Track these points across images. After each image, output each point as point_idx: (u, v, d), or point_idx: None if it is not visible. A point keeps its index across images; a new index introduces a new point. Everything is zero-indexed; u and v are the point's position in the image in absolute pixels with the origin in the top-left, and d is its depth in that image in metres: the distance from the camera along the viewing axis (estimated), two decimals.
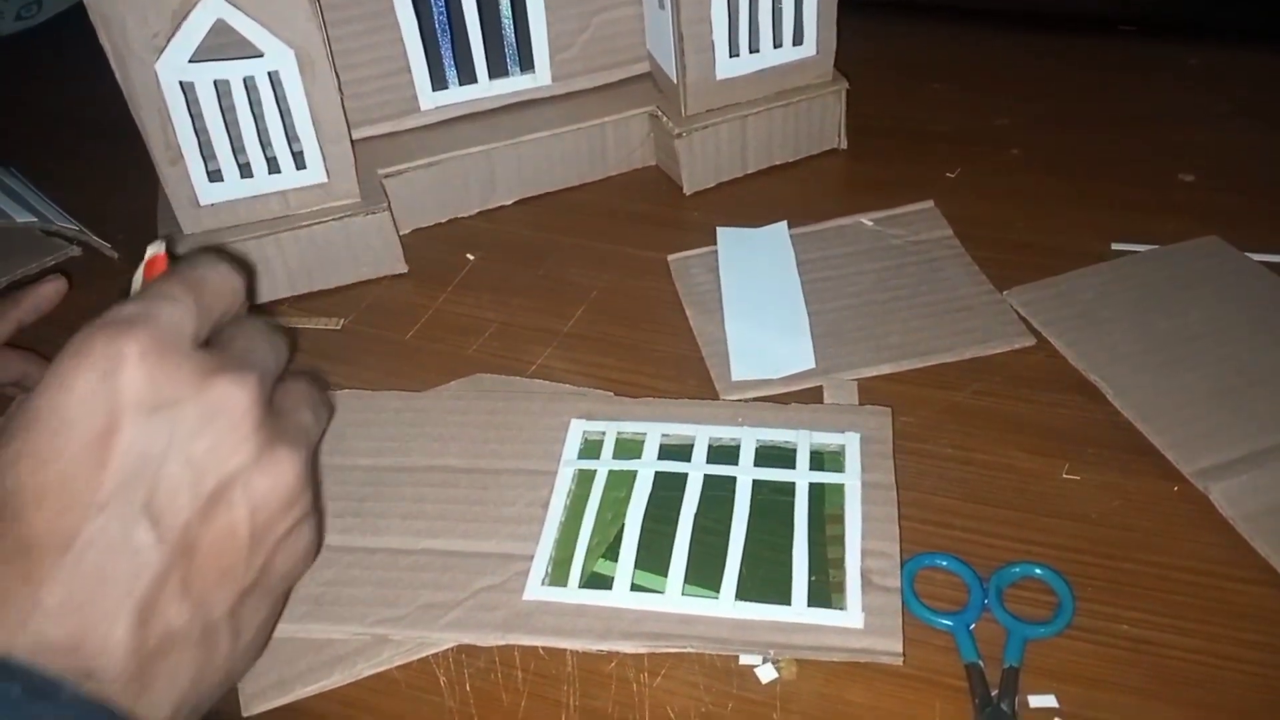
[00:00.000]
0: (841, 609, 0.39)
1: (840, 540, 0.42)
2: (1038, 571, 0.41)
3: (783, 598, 0.40)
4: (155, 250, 0.37)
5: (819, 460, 0.46)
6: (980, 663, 0.38)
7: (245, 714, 0.38)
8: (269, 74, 0.53)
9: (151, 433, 0.31)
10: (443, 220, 0.65)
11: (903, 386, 0.50)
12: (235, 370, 0.33)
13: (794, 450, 0.46)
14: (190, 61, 0.51)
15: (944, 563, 0.42)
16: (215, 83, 0.53)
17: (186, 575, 0.32)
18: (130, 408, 0.31)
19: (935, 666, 0.38)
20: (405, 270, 0.60)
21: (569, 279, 0.59)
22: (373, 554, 0.43)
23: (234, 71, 0.53)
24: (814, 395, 0.50)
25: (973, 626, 0.39)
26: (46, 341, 0.56)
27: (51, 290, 0.57)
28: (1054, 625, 0.39)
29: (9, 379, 0.53)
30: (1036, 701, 0.37)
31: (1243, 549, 0.41)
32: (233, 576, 0.33)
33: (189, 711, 0.33)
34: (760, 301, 0.55)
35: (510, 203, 0.66)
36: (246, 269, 0.39)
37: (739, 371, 0.51)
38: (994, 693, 0.37)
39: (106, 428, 0.30)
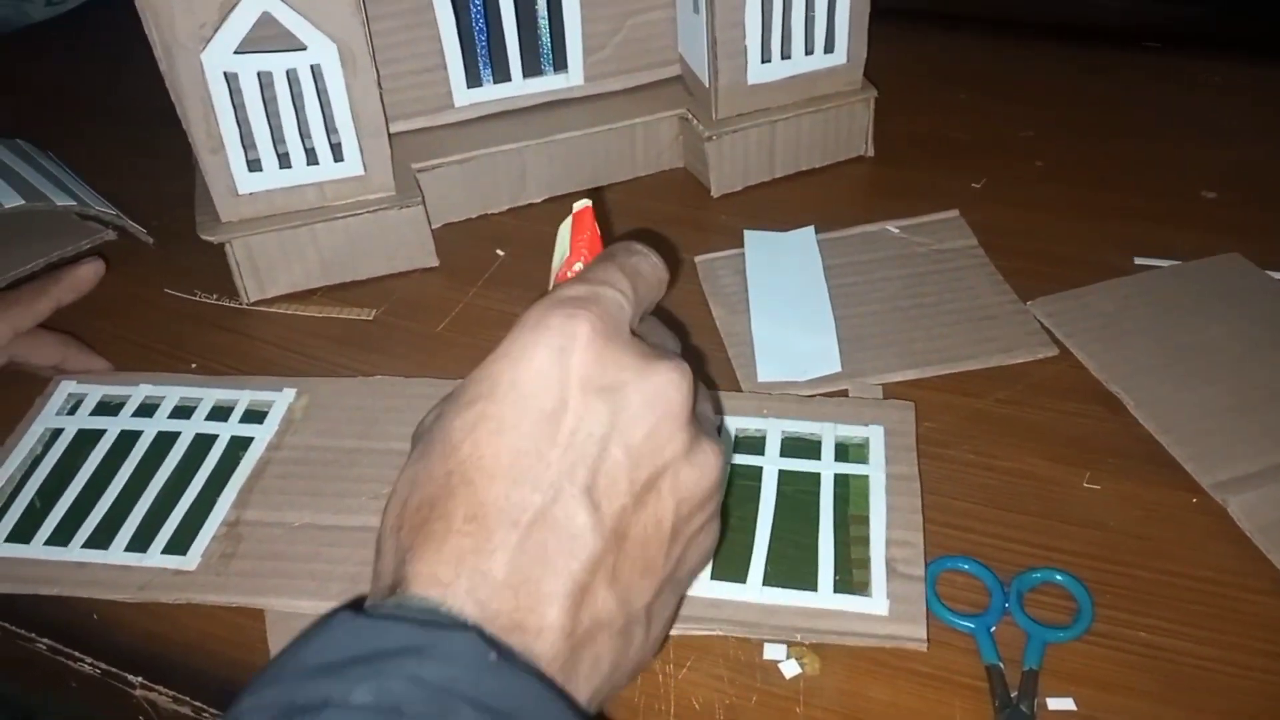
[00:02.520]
0: (866, 596, 0.40)
1: (865, 541, 0.43)
2: (1058, 577, 0.42)
3: (809, 585, 0.41)
4: (582, 204, 0.37)
5: (844, 452, 0.46)
6: (1000, 664, 0.39)
7: None
8: (311, 67, 0.54)
9: (597, 414, 0.31)
10: (473, 215, 0.66)
11: (927, 392, 0.51)
12: (673, 359, 0.32)
13: (819, 442, 0.47)
14: (235, 53, 0.52)
15: (966, 566, 0.42)
16: (259, 74, 0.54)
17: (616, 563, 0.31)
18: (579, 387, 0.30)
19: (956, 667, 0.39)
20: (436, 264, 0.61)
21: None
22: None
23: (278, 64, 0.54)
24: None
25: (993, 629, 0.40)
26: (82, 324, 0.57)
27: (90, 272, 0.58)
28: (1073, 630, 0.40)
29: (48, 362, 0.54)
30: (1055, 704, 0.38)
31: (1259, 560, 0.42)
32: (654, 568, 0.32)
33: (599, 702, 0.32)
34: (787, 304, 0.56)
35: (540, 200, 0.66)
36: (671, 261, 0.38)
37: (765, 373, 0.52)
38: (1013, 694, 0.38)
39: (558, 405, 0.30)
